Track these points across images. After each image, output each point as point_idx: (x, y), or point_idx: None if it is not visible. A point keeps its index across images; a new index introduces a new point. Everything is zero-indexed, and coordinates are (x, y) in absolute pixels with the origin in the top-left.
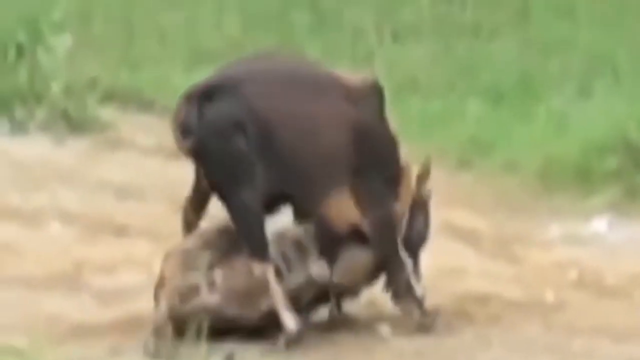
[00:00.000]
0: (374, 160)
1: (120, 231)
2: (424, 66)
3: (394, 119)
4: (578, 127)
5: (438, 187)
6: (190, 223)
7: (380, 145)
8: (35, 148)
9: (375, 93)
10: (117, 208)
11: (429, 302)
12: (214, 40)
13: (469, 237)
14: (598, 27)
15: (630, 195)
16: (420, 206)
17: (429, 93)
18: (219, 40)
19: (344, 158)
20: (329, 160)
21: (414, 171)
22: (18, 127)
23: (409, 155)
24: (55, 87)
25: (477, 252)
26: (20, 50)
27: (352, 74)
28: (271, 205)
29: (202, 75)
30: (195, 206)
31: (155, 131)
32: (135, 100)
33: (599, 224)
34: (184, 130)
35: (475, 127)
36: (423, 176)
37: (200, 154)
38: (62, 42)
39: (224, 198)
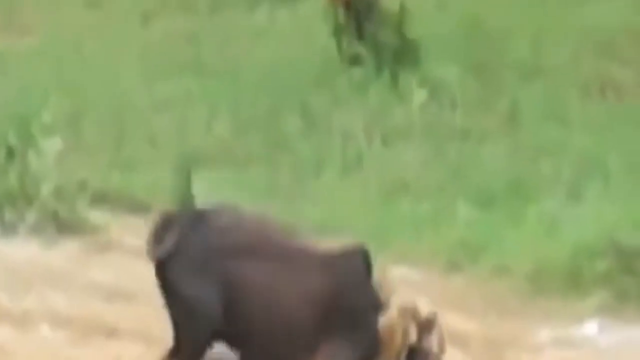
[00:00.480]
0: (343, 328)
1: (111, 333)
2: (413, 169)
3: (386, 282)
4: (568, 231)
5: (428, 290)
6: None
7: (353, 312)
8: (24, 250)
9: (357, 260)
10: (107, 310)
11: None
12: (204, 143)
13: (458, 340)
14: (589, 131)
15: (621, 298)
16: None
17: (419, 195)
18: (210, 143)
19: (308, 328)
20: (290, 330)
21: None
22: (8, 229)
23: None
24: (45, 190)
25: (466, 355)
26: (10, 152)
27: (332, 243)
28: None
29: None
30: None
31: (145, 233)
32: (125, 203)
33: (590, 328)
34: (157, 240)
35: (465, 230)
36: (426, 326)
37: (166, 270)
38: (53, 145)
39: (175, 319)
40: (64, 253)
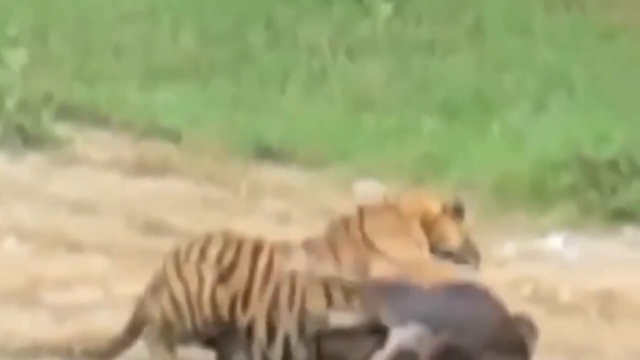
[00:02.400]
0: None
1: (76, 247)
2: (378, 83)
3: None
4: (533, 144)
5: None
6: None
7: None
8: None
9: None
10: (72, 224)
11: None
12: (169, 56)
13: None
14: (553, 44)
15: (585, 211)
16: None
17: (383, 109)
18: (175, 56)
19: None
20: None
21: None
22: None
23: None
24: (10, 103)
25: None
26: None
27: None
28: None
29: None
30: None
31: (110, 147)
32: (90, 116)
33: (554, 241)
34: None
35: (429, 144)
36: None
37: None
38: (17, 58)
39: None
40: (29, 166)
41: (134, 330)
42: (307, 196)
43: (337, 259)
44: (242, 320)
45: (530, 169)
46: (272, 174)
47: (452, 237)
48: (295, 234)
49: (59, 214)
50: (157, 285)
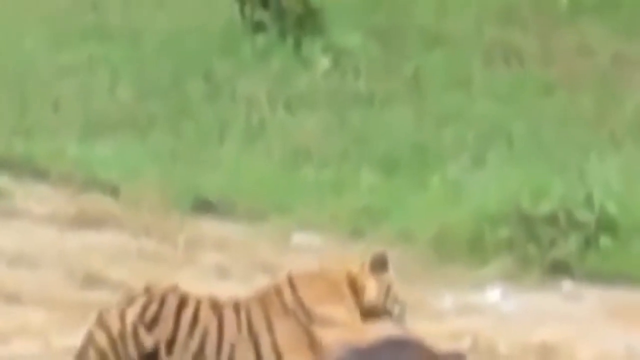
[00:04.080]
0: None
1: (14, 299)
2: (316, 136)
3: None
4: (472, 197)
5: (330, 257)
6: None
7: None
8: None
9: None
10: (11, 276)
11: None
12: (108, 109)
13: None
14: (492, 98)
15: (523, 264)
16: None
17: (322, 162)
18: (113, 109)
19: None
20: None
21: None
22: None
23: None
24: None
25: None
26: None
27: None
28: None
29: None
30: None
31: (49, 200)
32: (29, 169)
33: (492, 294)
34: None
35: (368, 197)
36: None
37: None
38: None
39: None
40: None
41: None
42: (245, 249)
43: (270, 326)
44: None
45: (469, 222)
46: (210, 227)
47: (370, 290)
48: (233, 287)
49: None
50: (84, 347)
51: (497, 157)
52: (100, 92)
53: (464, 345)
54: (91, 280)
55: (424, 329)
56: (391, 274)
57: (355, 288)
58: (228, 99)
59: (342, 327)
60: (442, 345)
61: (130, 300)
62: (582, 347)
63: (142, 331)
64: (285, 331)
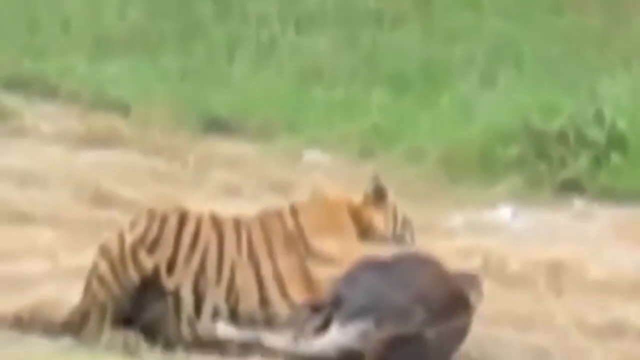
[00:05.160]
0: None
1: (23, 219)
2: (327, 55)
3: None
4: (481, 116)
5: (340, 176)
6: None
7: None
8: None
9: None
10: (20, 196)
11: None
12: (118, 28)
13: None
14: (502, 17)
15: (533, 183)
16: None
17: (332, 82)
18: (123, 28)
19: None
20: None
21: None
22: None
23: None
24: None
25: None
26: None
27: None
28: None
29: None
30: None
31: (58, 119)
32: (39, 88)
33: (503, 212)
34: None
35: (378, 116)
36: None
37: None
38: None
39: None
40: None
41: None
42: (255, 168)
43: (271, 252)
44: (169, 284)
45: (479, 140)
46: (220, 146)
47: (379, 225)
48: (243, 205)
49: (7, 186)
50: (89, 279)
51: (507, 75)
52: (110, 10)
53: (474, 263)
54: (100, 199)
55: (434, 247)
56: (392, 198)
57: (357, 218)
58: (238, 18)
59: (336, 264)
60: (453, 263)
61: (132, 224)
62: (593, 265)
63: (142, 253)
64: (286, 260)
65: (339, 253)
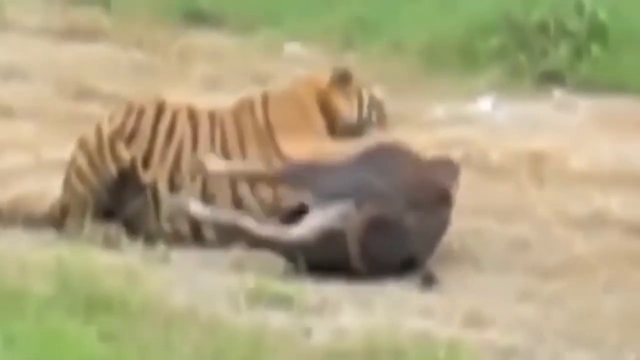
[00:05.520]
0: None
1: (5, 113)
2: None
3: None
4: (463, 7)
5: (321, 67)
6: None
7: None
8: None
9: None
10: (3, 89)
11: None
12: None
13: None
14: None
15: (514, 74)
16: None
17: None
18: None
19: None
20: None
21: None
22: None
23: None
24: None
25: None
26: None
27: None
28: None
29: None
30: None
31: (40, 12)
32: None
33: (484, 103)
34: None
35: (360, 7)
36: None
37: None
38: None
39: None
40: None
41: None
42: (237, 60)
43: (242, 149)
44: (146, 178)
45: (460, 32)
46: (201, 38)
47: (344, 109)
48: (225, 98)
49: None
50: (67, 172)
51: None
52: None
53: (455, 154)
54: (83, 93)
55: (416, 139)
56: (356, 81)
57: (326, 106)
58: None
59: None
60: (434, 155)
61: (110, 117)
62: (574, 155)
63: (119, 145)
64: (255, 156)
65: (302, 152)
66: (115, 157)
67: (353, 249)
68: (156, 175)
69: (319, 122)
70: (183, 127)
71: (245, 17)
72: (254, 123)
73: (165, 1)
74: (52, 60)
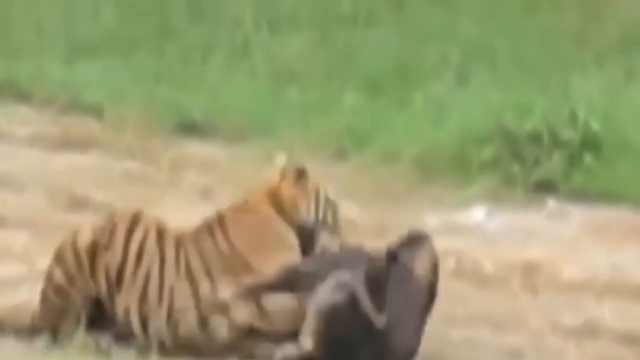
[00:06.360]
0: None
1: None
2: (301, 56)
3: None
4: (455, 116)
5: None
6: None
7: None
8: None
9: None
10: None
11: None
12: (91, 31)
13: (346, 228)
14: (475, 16)
15: (508, 183)
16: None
17: (306, 83)
18: (97, 31)
19: None
20: None
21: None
22: None
23: None
24: None
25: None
26: None
27: None
28: None
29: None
30: None
31: (32, 122)
32: (12, 92)
33: (477, 213)
34: None
35: (352, 117)
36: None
37: None
38: None
39: None
40: None
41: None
42: (229, 171)
43: (208, 272)
44: (119, 304)
45: (453, 141)
46: (194, 149)
47: (301, 207)
48: (218, 209)
49: None
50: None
51: (481, 76)
52: (84, 14)
53: (448, 264)
54: (75, 203)
55: None
56: (314, 181)
57: (279, 204)
58: (212, 20)
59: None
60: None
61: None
62: (567, 265)
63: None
64: (224, 279)
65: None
66: (95, 279)
67: None
68: (127, 305)
69: (280, 225)
70: (151, 250)
71: (237, 127)
72: (215, 245)
73: (158, 111)
74: (44, 170)
